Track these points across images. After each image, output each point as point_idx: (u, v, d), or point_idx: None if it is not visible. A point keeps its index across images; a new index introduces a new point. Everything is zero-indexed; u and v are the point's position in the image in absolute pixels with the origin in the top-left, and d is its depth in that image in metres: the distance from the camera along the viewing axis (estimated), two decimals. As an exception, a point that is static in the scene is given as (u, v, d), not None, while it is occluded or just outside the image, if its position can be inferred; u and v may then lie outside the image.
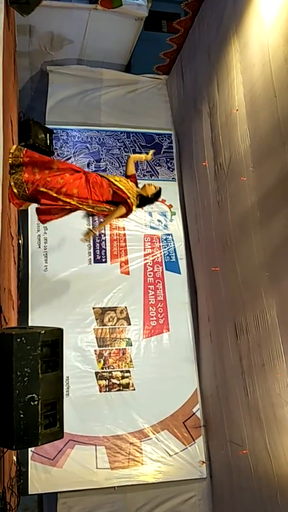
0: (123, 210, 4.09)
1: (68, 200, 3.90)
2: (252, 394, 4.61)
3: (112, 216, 4.14)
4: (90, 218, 6.31)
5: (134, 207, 4.12)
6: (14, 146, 4.01)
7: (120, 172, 6.27)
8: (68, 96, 6.77)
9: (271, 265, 4.24)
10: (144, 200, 4.25)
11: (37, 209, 4.03)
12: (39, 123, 6.11)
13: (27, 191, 3.84)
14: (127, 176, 4.23)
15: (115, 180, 4.03)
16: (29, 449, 5.01)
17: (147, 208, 6.50)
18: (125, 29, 6.33)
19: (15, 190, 3.81)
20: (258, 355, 4.47)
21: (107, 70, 6.99)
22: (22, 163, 3.83)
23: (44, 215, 4.05)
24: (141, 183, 4.34)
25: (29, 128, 5.84)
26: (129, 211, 4.13)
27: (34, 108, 7.08)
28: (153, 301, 6.15)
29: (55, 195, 3.84)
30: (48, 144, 6.18)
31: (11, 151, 3.84)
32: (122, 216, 4.27)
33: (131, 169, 4.30)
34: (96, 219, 6.32)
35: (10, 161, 3.76)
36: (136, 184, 4.25)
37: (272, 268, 4.23)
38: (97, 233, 4.09)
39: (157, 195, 4.29)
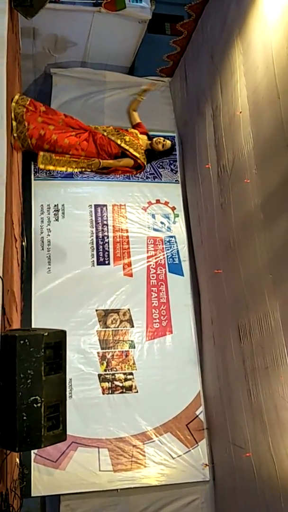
0: (130, 161, 4.15)
1: (74, 159, 3.94)
2: (255, 396, 4.59)
3: (119, 163, 4.18)
4: (93, 216, 6.31)
5: (145, 163, 4.24)
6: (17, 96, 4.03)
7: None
8: (71, 98, 6.77)
9: (275, 267, 4.23)
10: (155, 154, 4.29)
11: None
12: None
13: (31, 146, 3.85)
14: (134, 127, 4.21)
15: (123, 142, 4.05)
16: (32, 451, 5.01)
17: (150, 210, 6.59)
18: (129, 32, 6.32)
19: (19, 143, 3.82)
20: (262, 357, 4.45)
21: (110, 73, 6.98)
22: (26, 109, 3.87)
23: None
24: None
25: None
26: (139, 167, 4.22)
27: (37, 111, 7.08)
28: (156, 303, 6.14)
29: (59, 154, 3.88)
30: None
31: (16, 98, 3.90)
32: (132, 169, 4.29)
33: (135, 118, 4.30)
34: (99, 220, 6.35)
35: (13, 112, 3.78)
36: (147, 133, 4.27)
37: (276, 270, 4.21)
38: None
39: (168, 151, 4.36)
